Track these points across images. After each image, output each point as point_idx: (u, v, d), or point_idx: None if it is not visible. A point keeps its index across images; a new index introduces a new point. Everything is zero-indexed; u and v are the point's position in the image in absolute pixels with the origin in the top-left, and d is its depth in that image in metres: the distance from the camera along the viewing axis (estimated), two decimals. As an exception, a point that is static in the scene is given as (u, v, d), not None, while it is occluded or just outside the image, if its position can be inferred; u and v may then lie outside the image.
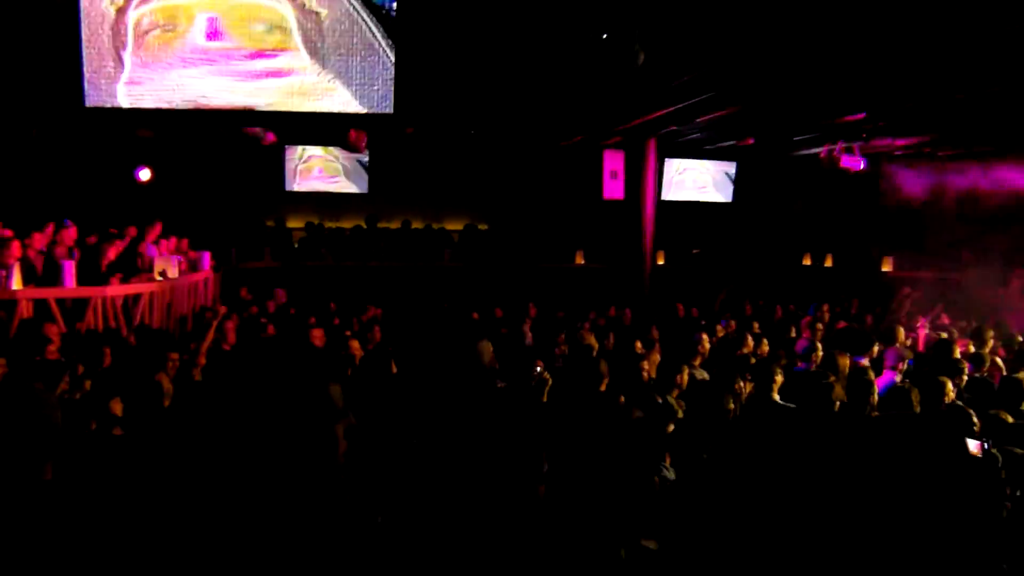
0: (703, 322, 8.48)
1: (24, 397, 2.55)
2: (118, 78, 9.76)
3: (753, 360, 7.10)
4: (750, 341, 7.60)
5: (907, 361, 6.74)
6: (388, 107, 8.20)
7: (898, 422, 4.86)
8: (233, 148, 14.58)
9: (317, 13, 9.81)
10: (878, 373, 6.24)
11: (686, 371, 5.64)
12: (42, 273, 8.49)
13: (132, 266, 9.79)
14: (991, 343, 7.74)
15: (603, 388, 5.20)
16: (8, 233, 9.12)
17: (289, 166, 15.91)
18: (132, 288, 8.93)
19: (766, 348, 7.54)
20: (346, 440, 1.62)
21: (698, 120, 12.10)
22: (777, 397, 5.54)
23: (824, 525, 3.88)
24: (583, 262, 16.53)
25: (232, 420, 1.45)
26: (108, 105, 8.03)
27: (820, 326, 9.05)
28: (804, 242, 17.07)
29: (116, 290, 8.57)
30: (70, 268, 8.20)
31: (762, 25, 7.99)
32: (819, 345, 7.00)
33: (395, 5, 9.45)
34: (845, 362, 5.96)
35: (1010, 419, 4.95)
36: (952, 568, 3.65)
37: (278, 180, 15.85)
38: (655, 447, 4.31)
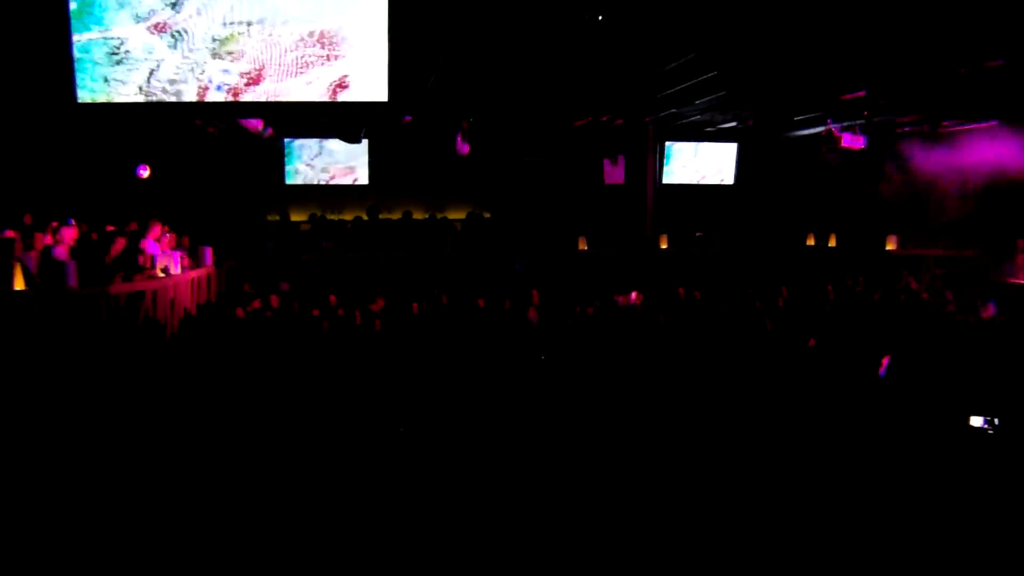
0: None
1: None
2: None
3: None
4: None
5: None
6: (383, 95, 8.14)
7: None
8: (232, 142, 14.56)
9: None
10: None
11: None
12: (43, 273, 8.50)
13: (134, 263, 9.79)
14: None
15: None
16: (8, 233, 9.14)
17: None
18: (136, 286, 8.94)
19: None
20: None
21: (697, 102, 12.04)
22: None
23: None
24: (586, 248, 16.50)
25: None
26: (100, 100, 8.00)
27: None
28: (807, 222, 17.01)
29: (119, 288, 8.58)
30: (72, 268, 8.21)
31: (760, 2, 7.93)
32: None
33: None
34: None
35: None
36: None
37: (278, 174, 15.83)
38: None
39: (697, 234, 17.55)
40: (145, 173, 14.15)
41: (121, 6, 7.72)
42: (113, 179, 14.10)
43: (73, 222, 10.45)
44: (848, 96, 11.12)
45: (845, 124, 12.55)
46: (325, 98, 8.08)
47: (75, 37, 7.64)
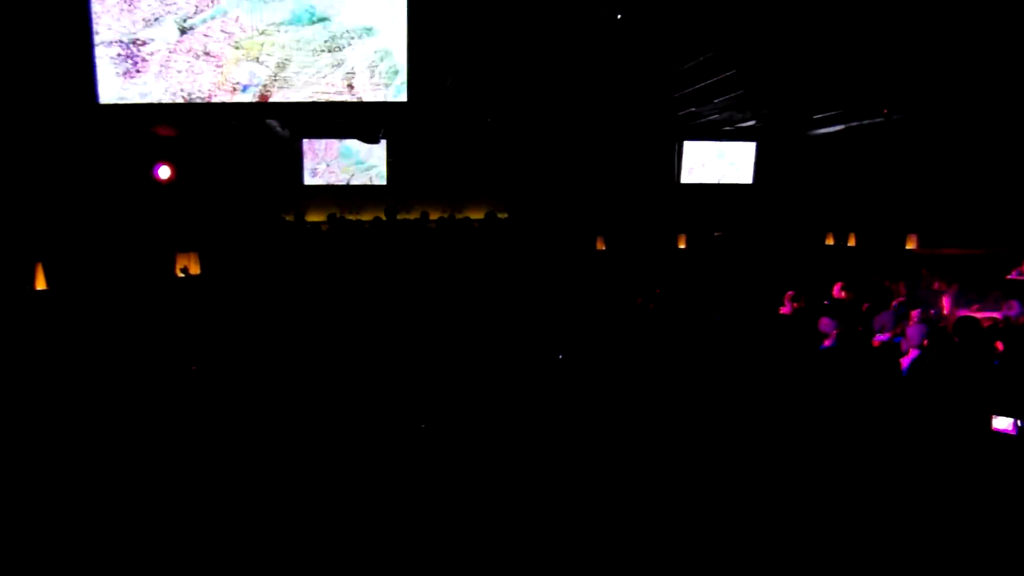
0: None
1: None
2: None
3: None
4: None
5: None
6: (402, 95, 8.17)
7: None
8: (251, 141, 14.64)
9: None
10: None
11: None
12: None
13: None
14: None
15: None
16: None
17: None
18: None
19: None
20: None
21: (716, 101, 11.99)
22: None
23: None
24: (604, 247, 16.47)
25: None
26: (122, 101, 8.06)
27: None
28: (826, 221, 16.92)
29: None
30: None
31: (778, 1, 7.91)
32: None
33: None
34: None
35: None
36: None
37: (296, 174, 15.87)
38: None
39: (716, 234, 17.49)
40: (164, 174, 14.22)
41: (154, 8, 7.78)
42: (130, 182, 14.19)
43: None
44: (868, 93, 11.05)
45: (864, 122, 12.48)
46: (345, 98, 8.12)
47: (97, 38, 7.70)
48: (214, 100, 8.11)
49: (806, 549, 3.85)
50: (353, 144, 15.81)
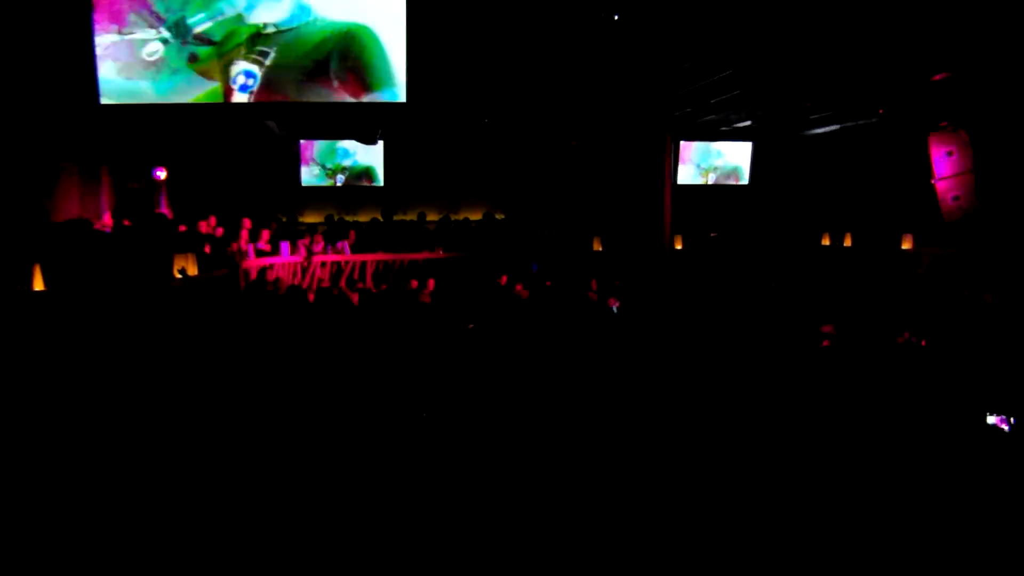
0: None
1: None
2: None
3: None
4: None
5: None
6: (400, 96, 8.20)
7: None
8: (248, 142, 14.65)
9: None
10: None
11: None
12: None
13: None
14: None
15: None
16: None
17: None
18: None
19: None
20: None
21: (712, 101, 12.03)
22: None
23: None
24: (600, 248, 16.49)
25: None
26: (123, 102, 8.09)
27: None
28: (823, 222, 16.97)
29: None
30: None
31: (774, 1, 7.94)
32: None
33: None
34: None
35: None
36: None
37: (293, 175, 15.90)
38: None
39: (712, 234, 17.52)
40: (162, 175, 14.25)
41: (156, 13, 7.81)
42: (134, 180, 14.21)
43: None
44: (863, 94, 11.09)
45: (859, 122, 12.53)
46: (343, 99, 8.15)
47: (98, 39, 7.73)
48: (209, 101, 8.14)
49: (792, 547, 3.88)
50: (350, 144, 15.85)
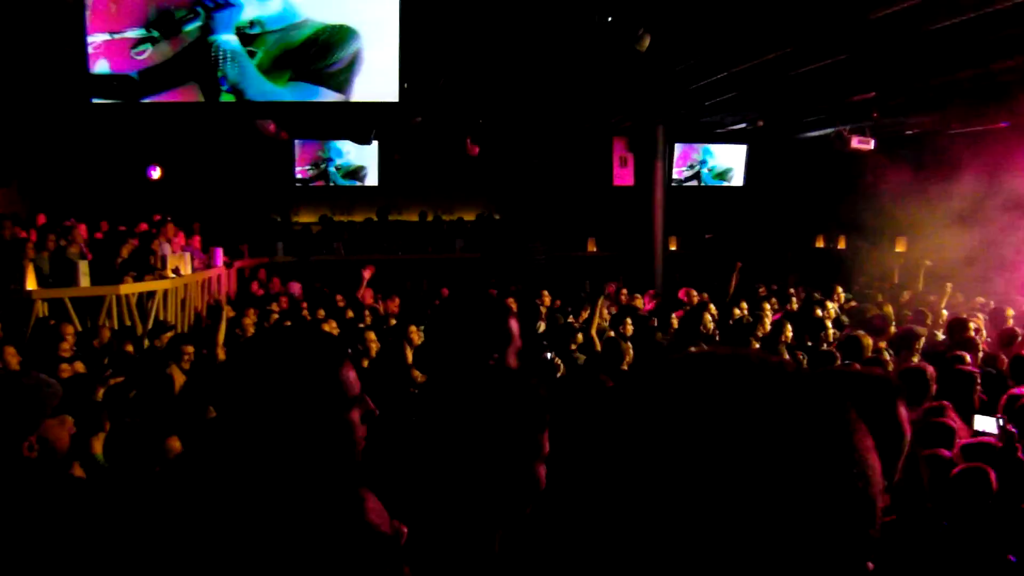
0: (710, 304, 8.42)
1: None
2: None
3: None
4: (767, 324, 7.57)
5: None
6: (393, 95, 8.17)
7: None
8: (243, 143, 14.60)
9: None
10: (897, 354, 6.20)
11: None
12: (55, 272, 8.56)
13: (145, 264, 9.85)
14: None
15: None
16: (21, 233, 9.20)
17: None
18: (146, 286, 8.99)
19: (789, 333, 7.41)
20: (364, 424, 1.59)
21: (706, 103, 12.02)
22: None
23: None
24: (595, 250, 16.50)
25: (241, 408, 1.41)
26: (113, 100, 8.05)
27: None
28: (817, 224, 16.98)
29: (130, 288, 8.63)
30: (83, 267, 8.27)
31: (767, 4, 7.93)
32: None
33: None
34: (868, 342, 5.90)
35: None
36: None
37: (288, 175, 15.81)
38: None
39: (706, 236, 17.52)
40: (156, 174, 14.22)
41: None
42: (124, 179, 14.17)
43: (77, 222, 10.52)
44: (857, 98, 11.09)
45: (854, 126, 12.51)
46: (336, 98, 8.12)
47: (90, 38, 7.69)
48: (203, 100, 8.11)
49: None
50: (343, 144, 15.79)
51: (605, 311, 8.52)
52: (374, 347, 6.64)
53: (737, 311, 8.82)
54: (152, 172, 14.21)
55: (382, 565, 1.17)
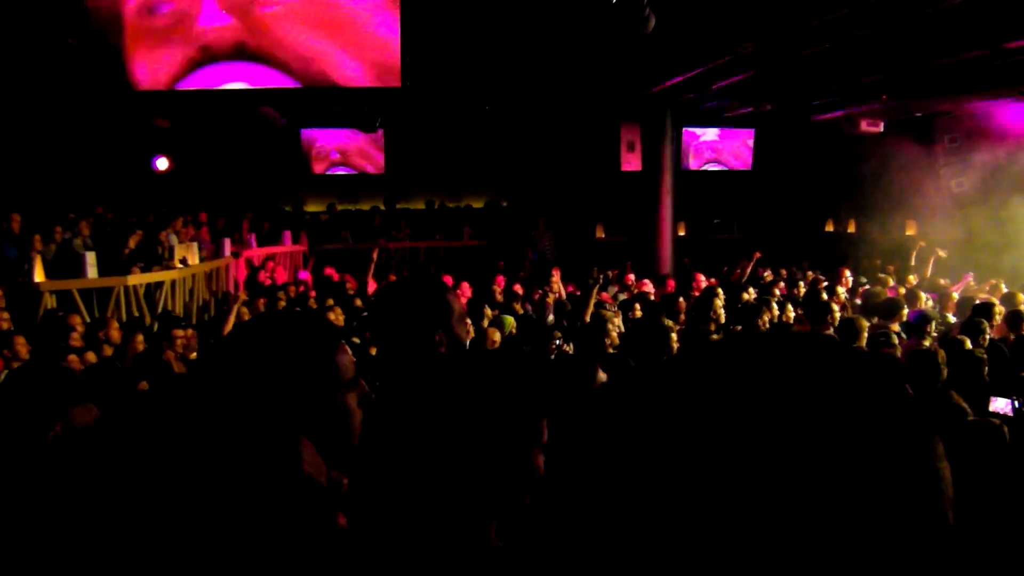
0: (719, 290, 8.36)
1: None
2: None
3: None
4: (774, 308, 7.51)
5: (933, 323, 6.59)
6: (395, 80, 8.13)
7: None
8: (250, 132, 14.58)
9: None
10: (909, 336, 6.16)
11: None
12: (62, 264, 8.57)
13: (153, 254, 9.86)
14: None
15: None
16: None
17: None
18: (154, 276, 9.00)
19: (791, 314, 7.39)
20: (360, 409, 1.56)
21: (714, 87, 11.93)
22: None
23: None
24: (604, 235, 16.44)
25: (235, 396, 1.39)
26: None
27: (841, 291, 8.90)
28: (826, 208, 16.87)
29: (138, 279, 8.63)
30: (90, 259, 8.28)
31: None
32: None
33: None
34: (864, 324, 5.86)
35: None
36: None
37: (295, 163, 15.79)
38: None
39: (715, 221, 17.43)
40: (163, 165, 14.18)
41: None
42: (132, 170, 14.16)
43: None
44: (867, 79, 10.97)
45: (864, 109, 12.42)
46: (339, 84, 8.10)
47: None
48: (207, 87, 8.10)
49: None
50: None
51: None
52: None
53: (746, 295, 8.76)
54: (159, 163, 14.18)
55: (313, 511, 1.17)
